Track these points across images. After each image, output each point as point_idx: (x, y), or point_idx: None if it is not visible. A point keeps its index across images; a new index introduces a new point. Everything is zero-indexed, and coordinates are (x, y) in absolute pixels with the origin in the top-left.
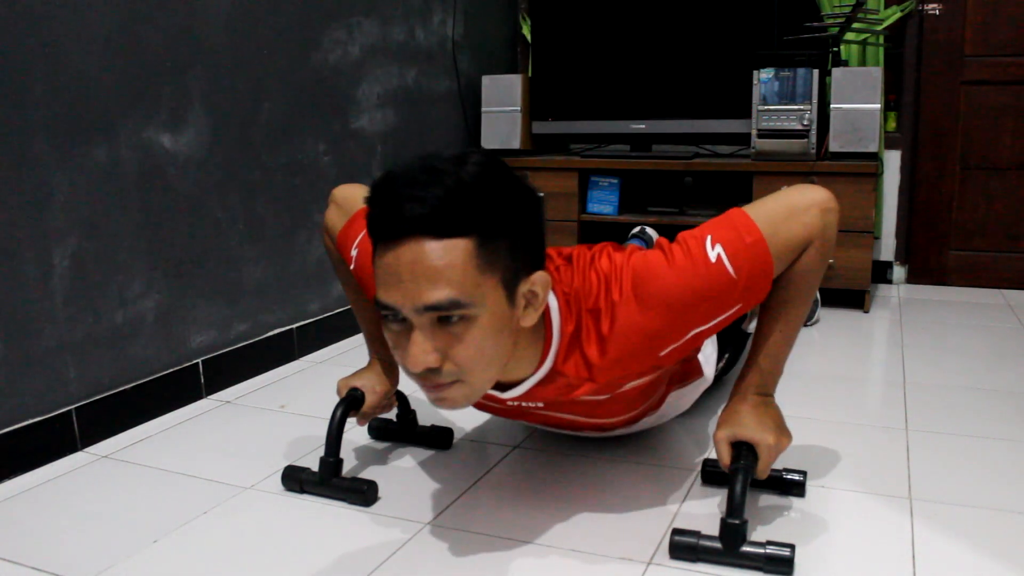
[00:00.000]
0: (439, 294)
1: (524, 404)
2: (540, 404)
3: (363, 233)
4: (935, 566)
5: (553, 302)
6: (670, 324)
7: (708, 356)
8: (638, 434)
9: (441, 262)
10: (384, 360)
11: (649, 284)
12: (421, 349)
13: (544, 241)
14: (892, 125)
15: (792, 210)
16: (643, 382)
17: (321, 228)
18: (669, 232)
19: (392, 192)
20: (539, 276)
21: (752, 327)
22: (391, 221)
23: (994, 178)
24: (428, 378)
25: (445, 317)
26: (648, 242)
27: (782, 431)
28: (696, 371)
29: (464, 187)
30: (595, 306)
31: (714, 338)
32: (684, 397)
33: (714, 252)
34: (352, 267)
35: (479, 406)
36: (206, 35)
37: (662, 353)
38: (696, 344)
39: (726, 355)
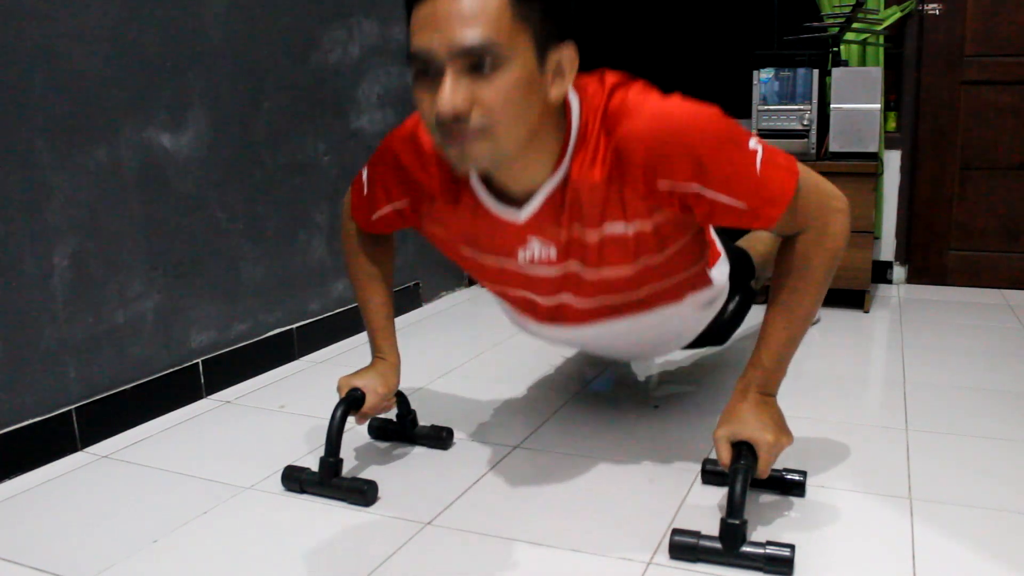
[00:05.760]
0: (474, 33)
1: (537, 251)
2: (552, 252)
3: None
4: (935, 566)
5: (575, 103)
6: (676, 152)
7: (719, 272)
8: (638, 433)
9: (477, 6)
10: (387, 360)
11: (675, 108)
12: (452, 90)
13: (575, 16)
14: (892, 125)
15: (821, 185)
16: (637, 231)
17: (338, 226)
18: None
19: None
20: (568, 50)
21: (760, 286)
22: None
23: (994, 178)
24: (455, 128)
25: (478, 65)
26: None
27: (782, 431)
28: (704, 280)
29: None
30: (613, 108)
31: (726, 263)
32: (691, 307)
33: (753, 144)
34: (366, 188)
35: (491, 275)
36: (206, 35)
37: (660, 184)
38: (693, 223)
39: (736, 298)
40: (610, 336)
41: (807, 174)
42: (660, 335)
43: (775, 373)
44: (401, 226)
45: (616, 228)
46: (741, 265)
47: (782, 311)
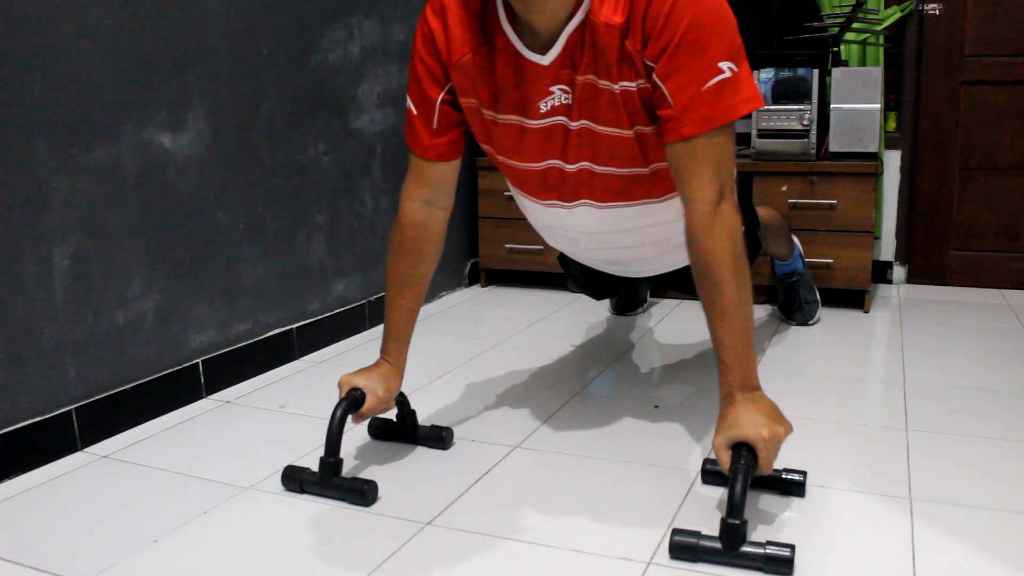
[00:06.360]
0: None
1: (558, 98)
2: (570, 97)
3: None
4: (935, 566)
5: None
6: (659, 25)
7: None
8: (638, 433)
9: None
10: (392, 364)
11: None
12: None
13: None
14: (892, 125)
15: (730, 166)
16: (641, 88)
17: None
18: None
19: None
20: None
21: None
22: None
23: (994, 178)
24: None
25: None
26: None
27: (776, 422)
28: None
29: None
30: None
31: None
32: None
33: (724, 64)
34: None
35: (510, 139)
36: (206, 35)
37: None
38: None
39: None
40: (619, 230)
41: (732, 148)
42: (666, 236)
43: (745, 368)
44: (460, 127)
45: (626, 83)
46: (747, 205)
47: (713, 309)
